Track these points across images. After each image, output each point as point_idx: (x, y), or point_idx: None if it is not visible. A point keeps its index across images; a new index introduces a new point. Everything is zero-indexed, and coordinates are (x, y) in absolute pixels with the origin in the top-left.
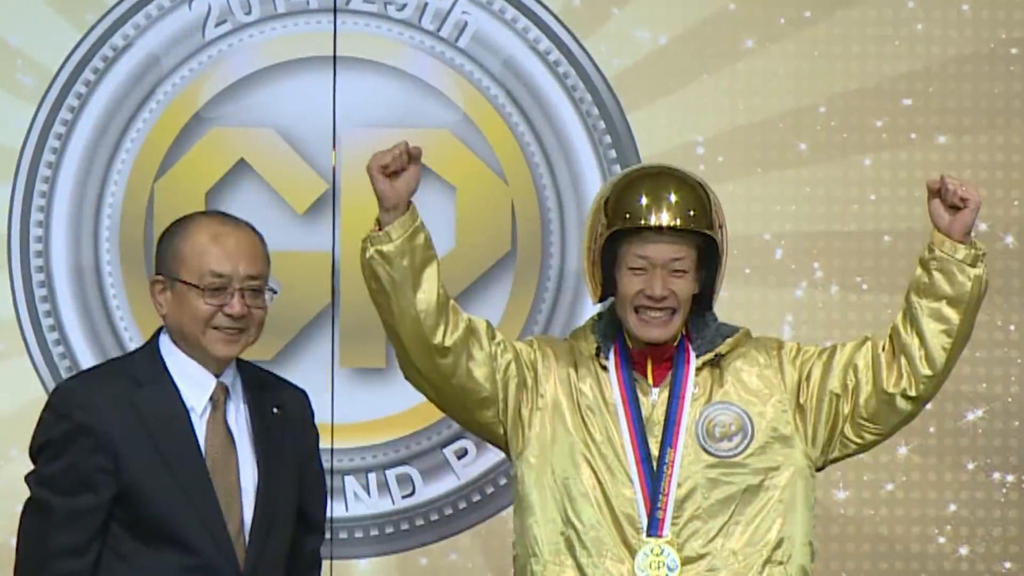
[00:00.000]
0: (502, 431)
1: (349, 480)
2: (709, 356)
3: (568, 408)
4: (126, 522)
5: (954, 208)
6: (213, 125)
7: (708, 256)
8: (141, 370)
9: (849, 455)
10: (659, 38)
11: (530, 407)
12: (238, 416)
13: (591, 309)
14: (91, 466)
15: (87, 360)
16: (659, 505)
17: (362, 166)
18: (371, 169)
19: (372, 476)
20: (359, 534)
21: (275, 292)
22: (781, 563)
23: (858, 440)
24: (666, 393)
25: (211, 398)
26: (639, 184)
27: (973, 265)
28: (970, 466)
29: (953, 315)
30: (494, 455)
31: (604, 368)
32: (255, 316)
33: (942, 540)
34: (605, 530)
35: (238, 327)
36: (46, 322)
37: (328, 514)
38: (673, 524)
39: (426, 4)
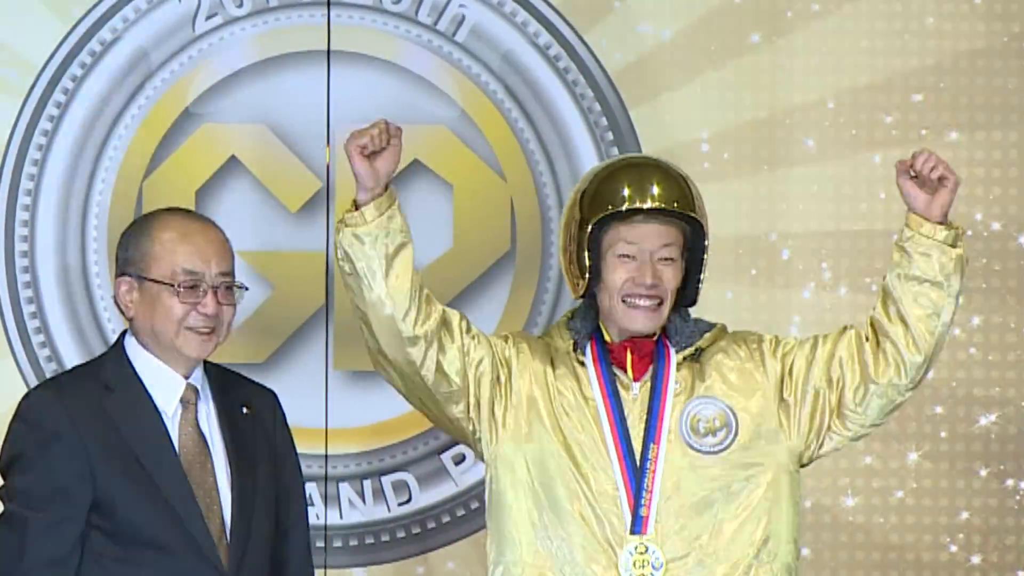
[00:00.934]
0: (472, 428)
1: (344, 487)
2: (689, 351)
3: (545, 406)
4: (105, 530)
5: (929, 187)
6: (204, 121)
7: (692, 249)
8: (110, 374)
9: (836, 449)
10: (662, 32)
11: (504, 404)
12: (209, 417)
13: None
14: (66, 474)
15: (74, 363)
16: (643, 502)
17: None
18: (349, 148)
19: (367, 483)
20: (354, 542)
21: (246, 288)
22: (767, 561)
23: (846, 432)
24: (647, 387)
25: (181, 399)
26: (621, 174)
27: (954, 245)
28: (983, 472)
29: (937, 297)
30: None
31: (582, 364)
32: (226, 314)
33: (954, 549)
34: (587, 530)
35: (211, 326)
36: (32, 324)
37: (322, 522)
38: (657, 522)
39: None
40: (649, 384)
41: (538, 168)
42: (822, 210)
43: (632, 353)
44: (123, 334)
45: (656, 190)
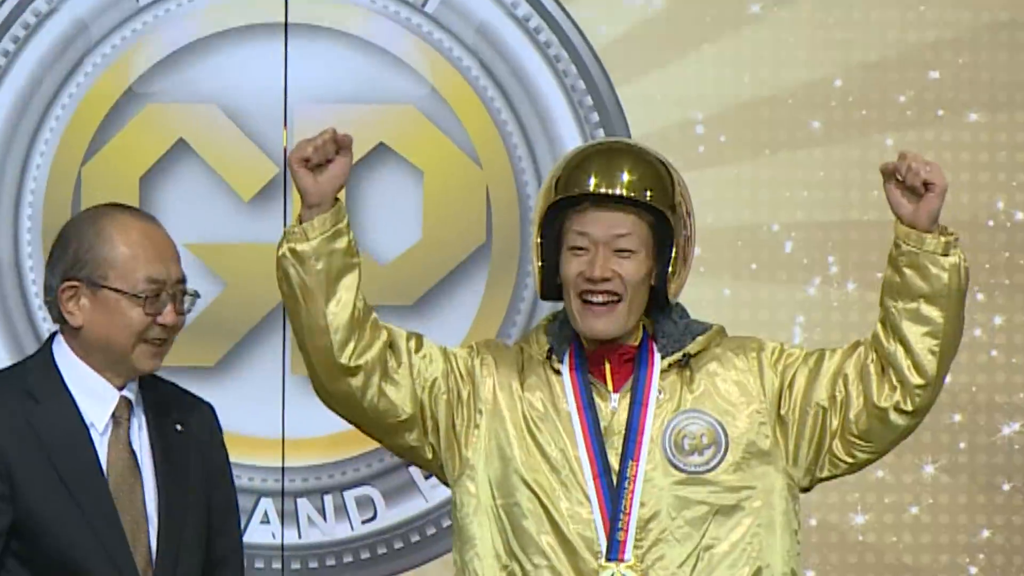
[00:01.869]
0: (431, 454)
1: (302, 503)
2: (676, 356)
3: (511, 421)
4: (23, 556)
5: (916, 193)
6: (149, 101)
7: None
8: (36, 383)
9: (839, 475)
10: (653, 2)
11: (465, 424)
12: (141, 434)
13: None
14: None
15: (3, 363)
16: (620, 526)
17: None
18: (291, 162)
19: (328, 498)
20: (313, 564)
21: (198, 296)
22: None
23: (848, 459)
24: (628, 399)
25: (113, 414)
26: (593, 159)
27: (946, 254)
28: (1006, 487)
29: (935, 314)
30: None
31: (557, 373)
32: (179, 325)
33: (974, 571)
34: (556, 559)
35: (165, 337)
36: None
37: (279, 541)
38: (636, 548)
39: None
40: (630, 394)
41: (516, 153)
42: (828, 198)
43: (610, 361)
44: (52, 337)
45: (607, 175)
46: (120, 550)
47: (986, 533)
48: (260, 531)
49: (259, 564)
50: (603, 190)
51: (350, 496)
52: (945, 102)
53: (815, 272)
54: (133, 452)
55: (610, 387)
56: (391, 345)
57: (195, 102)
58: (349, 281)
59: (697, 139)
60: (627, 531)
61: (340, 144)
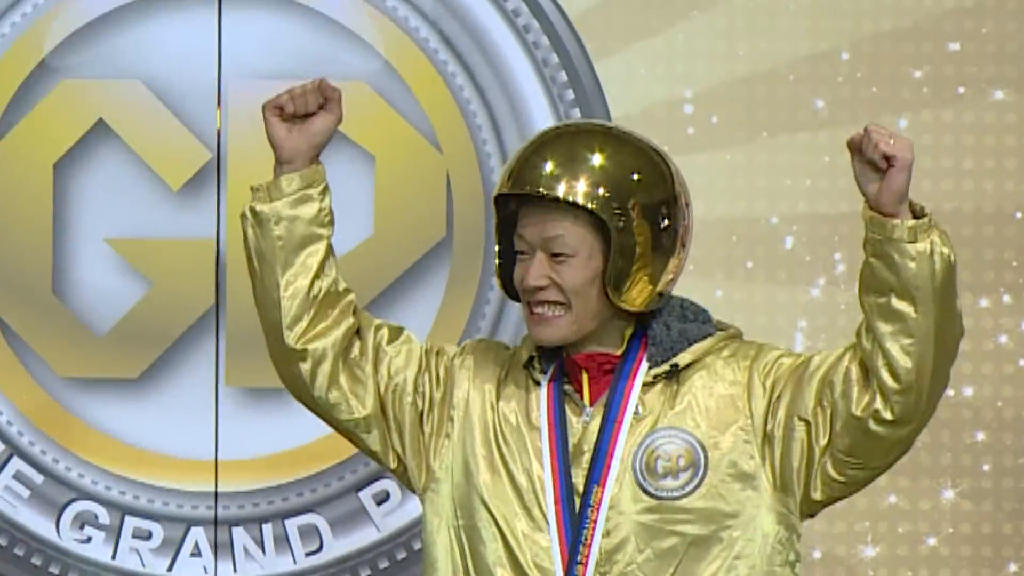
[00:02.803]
0: (395, 462)
1: (238, 532)
2: (663, 369)
3: (480, 433)
4: None
5: (879, 169)
6: (64, 76)
7: (657, 244)
8: None
9: (837, 496)
10: None
11: (434, 431)
12: None
13: None
14: None
15: None
16: (579, 559)
17: (254, 129)
18: (264, 108)
19: (268, 527)
20: None
21: None
22: None
23: (840, 478)
24: (601, 414)
25: None
26: (549, 144)
27: (913, 240)
28: None
29: (906, 309)
30: None
31: (538, 383)
32: None
33: None
34: None
35: None
36: None
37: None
38: None
39: None
40: (603, 410)
41: (480, 136)
42: (834, 187)
43: (587, 371)
44: None
45: (558, 171)
46: None
47: (1013, 567)
48: (190, 565)
49: None
50: (527, 190)
51: (292, 525)
52: (966, 78)
53: (819, 271)
54: None
55: (586, 400)
56: (358, 335)
57: (117, 78)
58: (313, 252)
59: (686, 119)
60: (586, 565)
61: (326, 96)
